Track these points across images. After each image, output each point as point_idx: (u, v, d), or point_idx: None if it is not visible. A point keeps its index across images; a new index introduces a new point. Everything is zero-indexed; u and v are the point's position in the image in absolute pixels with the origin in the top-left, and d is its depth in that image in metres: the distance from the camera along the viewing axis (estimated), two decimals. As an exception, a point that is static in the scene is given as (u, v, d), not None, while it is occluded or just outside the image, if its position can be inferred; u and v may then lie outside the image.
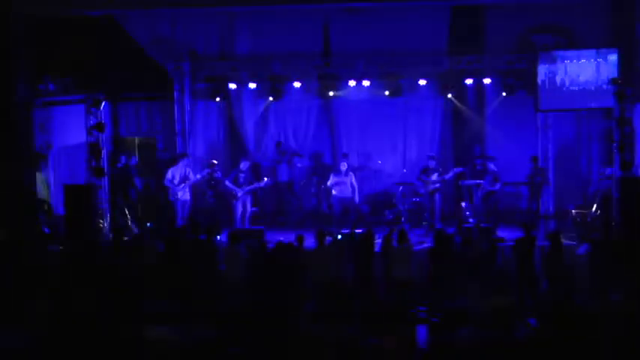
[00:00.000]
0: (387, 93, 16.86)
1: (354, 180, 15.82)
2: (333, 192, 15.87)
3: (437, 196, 15.96)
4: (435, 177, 15.88)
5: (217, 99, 17.36)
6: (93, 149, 13.54)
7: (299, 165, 17.48)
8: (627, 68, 15.25)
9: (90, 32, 16.13)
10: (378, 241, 12.68)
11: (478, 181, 15.97)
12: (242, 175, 15.65)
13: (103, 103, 14.02)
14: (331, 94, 17.25)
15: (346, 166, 15.83)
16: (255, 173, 16.50)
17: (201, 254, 11.95)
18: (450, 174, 16.00)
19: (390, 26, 16.31)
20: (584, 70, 15.40)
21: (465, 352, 7.67)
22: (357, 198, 15.92)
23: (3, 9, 13.56)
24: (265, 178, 16.01)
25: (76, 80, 16.62)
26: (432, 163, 16.09)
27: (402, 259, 11.69)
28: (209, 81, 17.14)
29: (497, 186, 15.65)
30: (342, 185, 15.73)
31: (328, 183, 15.97)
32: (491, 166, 15.87)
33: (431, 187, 15.93)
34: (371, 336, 7.93)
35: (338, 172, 15.87)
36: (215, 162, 16.15)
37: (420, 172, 16.15)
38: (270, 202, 17.61)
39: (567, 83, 15.45)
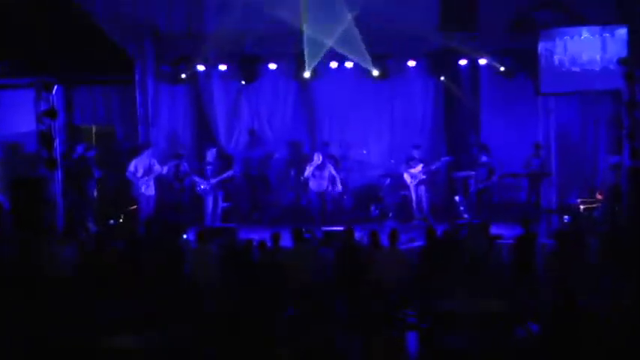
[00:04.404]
0: (372, 75, 16.80)
1: (332, 171, 15.82)
2: (310, 185, 15.90)
3: (422, 189, 16.06)
4: (419, 168, 15.93)
5: (183, 82, 17.25)
6: (44, 138, 13.40)
7: (275, 156, 17.42)
8: (638, 47, 15.23)
9: (42, 9, 15.97)
10: (364, 239, 12.72)
11: (470, 173, 15.98)
12: (209, 167, 15.64)
13: (55, 87, 13.88)
14: (310, 76, 17.09)
15: (321, 158, 15.77)
16: (226, 164, 16.44)
17: (167, 255, 11.88)
18: (437, 164, 16.06)
19: (374, 1, 16.26)
20: (588, 48, 15.38)
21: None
22: (339, 186, 15.95)
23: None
24: (235, 167, 16.01)
25: (26, 62, 16.43)
26: (416, 153, 16.13)
27: (391, 260, 11.65)
28: (174, 62, 16.97)
29: (494, 179, 15.67)
30: (319, 179, 15.71)
31: (305, 174, 15.92)
32: (484, 157, 15.83)
33: (415, 179, 15.98)
34: (356, 343, 7.95)
35: (312, 163, 15.84)
36: (182, 153, 16.11)
37: (404, 163, 16.21)
38: (244, 197, 17.55)
39: (567, 63, 15.38)
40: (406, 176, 16.16)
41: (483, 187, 15.58)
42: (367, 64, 15.97)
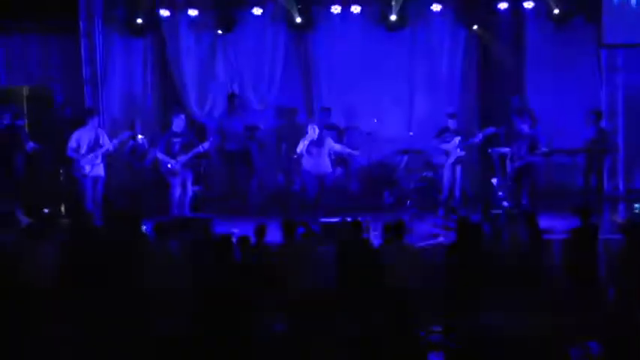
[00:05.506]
0: (386, 23, 16.61)
1: (333, 144, 15.72)
2: (304, 165, 15.77)
3: (458, 170, 16.01)
4: (456, 142, 15.73)
5: (142, 32, 17.16)
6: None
7: (261, 127, 17.27)
8: None
9: None
10: (374, 233, 12.78)
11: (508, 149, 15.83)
12: (177, 140, 15.45)
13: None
14: (304, 23, 16.88)
15: (317, 131, 15.50)
16: (199, 136, 16.30)
17: (120, 253, 11.70)
18: (479, 137, 15.86)
19: None
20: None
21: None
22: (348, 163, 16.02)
23: None
24: (210, 138, 15.87)
25: None
26: (452, 123, 15.97)
27: (411, 261, 11.50)
28: (129, 5, 16.82)
29: (537, 154, 15.47)
30: (317, 157, 15.41)
31: (298, 150, 15.67)
32: (526, 127, 15.66)
33: (451, 156, 15.78)
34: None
35: (307, 137, 15.63)
36: (140, 122, 16.05)
37: (436, 136, 16.08)
38: (220, 180, 17.69)
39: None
40: (440, 154, 16.00)
41: (522, 165, 15.36)
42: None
